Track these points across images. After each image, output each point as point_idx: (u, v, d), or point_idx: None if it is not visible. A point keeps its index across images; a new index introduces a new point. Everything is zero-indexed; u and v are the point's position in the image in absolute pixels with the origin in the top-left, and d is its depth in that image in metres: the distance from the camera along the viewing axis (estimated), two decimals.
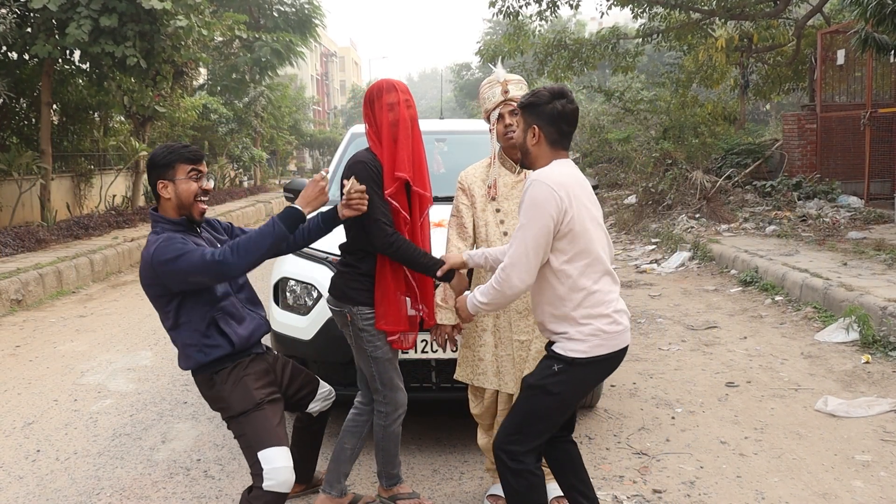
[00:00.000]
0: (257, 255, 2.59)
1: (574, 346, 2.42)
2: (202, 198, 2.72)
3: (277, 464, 2.59)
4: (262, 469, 2.58)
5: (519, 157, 3.02)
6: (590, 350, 2.42)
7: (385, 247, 2.82)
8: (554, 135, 2.47)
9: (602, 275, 2.45)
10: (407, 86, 2.98)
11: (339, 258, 3.08)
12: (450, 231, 3.11)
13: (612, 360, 2.49)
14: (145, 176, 15.30)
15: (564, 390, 2.46)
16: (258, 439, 2.63)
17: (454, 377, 3.18)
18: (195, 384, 2.81)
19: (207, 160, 17.33)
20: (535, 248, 2.36)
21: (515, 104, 2.98)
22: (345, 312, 2.95)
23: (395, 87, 2.88)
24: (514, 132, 3.01)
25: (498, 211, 3.03)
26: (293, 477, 2.64)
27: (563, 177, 2.40)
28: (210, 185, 2.76)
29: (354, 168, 2.85)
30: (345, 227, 2.99)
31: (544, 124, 2.46)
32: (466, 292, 2.71)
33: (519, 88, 3.01)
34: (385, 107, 2.84)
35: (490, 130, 3.09)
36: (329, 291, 3.05)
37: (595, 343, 2.42)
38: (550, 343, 2.54)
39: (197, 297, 2.69)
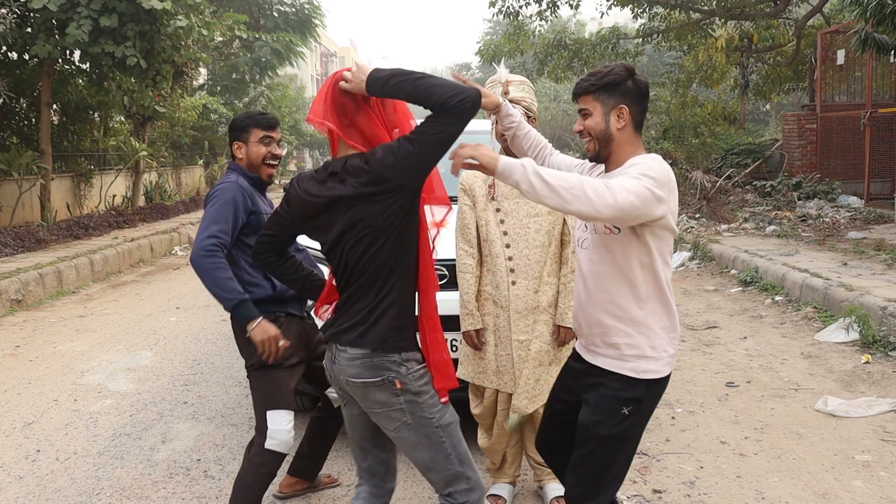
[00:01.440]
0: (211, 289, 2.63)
1: (646, 366, 2.13)
2: (271, 161, 2.90)
3: (282, 426, 2.73)
4: (266, 427, 2.73)
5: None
6: (663, 369, 2.15)
7: None
8: (640, 115, 2.17)
9: (668, 283, 2.19)
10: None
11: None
12: (457, 234, 3.12)
13: (666, 384, 2.24)
14: (145, 176, 15.36)
15: (639, 431, 2.21)
16: (270, 397, 2.74)
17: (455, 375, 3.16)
18: (232, 328, 2.82)
19: (207, 160, 17.26)
20: (642, 201, 1.94)
21: (515, 106, 2.96)
22: (391, 379, 2.08)
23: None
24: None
25: (498, 210, 3.02)
26: (292, 441, 2.78)
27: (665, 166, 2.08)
28: (281, 151, 2.95)
29: None
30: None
31: (632, 103, 2.13)
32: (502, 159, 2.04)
33: (521, 90, 2.99)
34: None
35: (491, 130, 3.09)
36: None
37: (663, 360, 2.15)
38: (595, 369, 2.18)
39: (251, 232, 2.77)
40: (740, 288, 7.46)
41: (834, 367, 4.97)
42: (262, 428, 2.76)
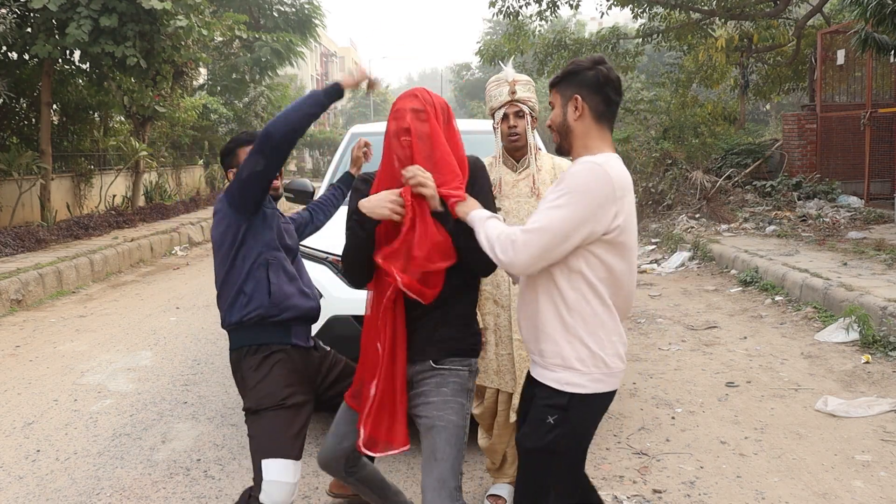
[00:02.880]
0: (294, 117, 2.42)
1: (570, 378, 2.03)
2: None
3: (277, 478, 2.43)
4: (261, 478, 2.45)
5: (523, 155, 3.02)
6: (591, 385, 2.03)
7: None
8: (600, 105, 2.08)
9: (623, 300, 2.10)
10: (430, 96, 2.33)
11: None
12: None
13: (606, 401, 2.12)
14: (145, 176, 15.36)
15: (568, 446, 2.07)
16: (265, 446, 2.47)
17: None
18: (230, 365, 2.68)
19: (207, 160, 17.23)
20: (562, 236, 1.95)
21: (521, 106, 2.98)
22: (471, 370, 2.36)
23: (412, 94, 2.33)
24: (517, 133, 2.99)
25: (499, 210, 3.03)
26: (292, 495, 2.48)
27: (622, 171, 2.02)
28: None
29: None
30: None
31: (588, 93, 2.08)
32: (489, 213, 2.17)
33: (527, 90, 3.00)
34: (393, 113, 2.31)
35: (494, 128, 3.08)
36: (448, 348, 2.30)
37: (592, 375, 2.04)
38: (532, 380, 2.13)
39: (253, 243, 2.62)
40: (740, 288, 7.46)
41: (834, 367, 4.97)
42: (257, 479, 2.46)
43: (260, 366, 2.57)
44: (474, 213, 2.16)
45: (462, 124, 6.32)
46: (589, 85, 2.08)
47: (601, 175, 1.96)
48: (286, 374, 2.58)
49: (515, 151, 3.05)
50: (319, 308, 2.77)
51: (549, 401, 2.05)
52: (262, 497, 2.43)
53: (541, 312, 2.08)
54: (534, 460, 2.10)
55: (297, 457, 2.51)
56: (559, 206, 1.95)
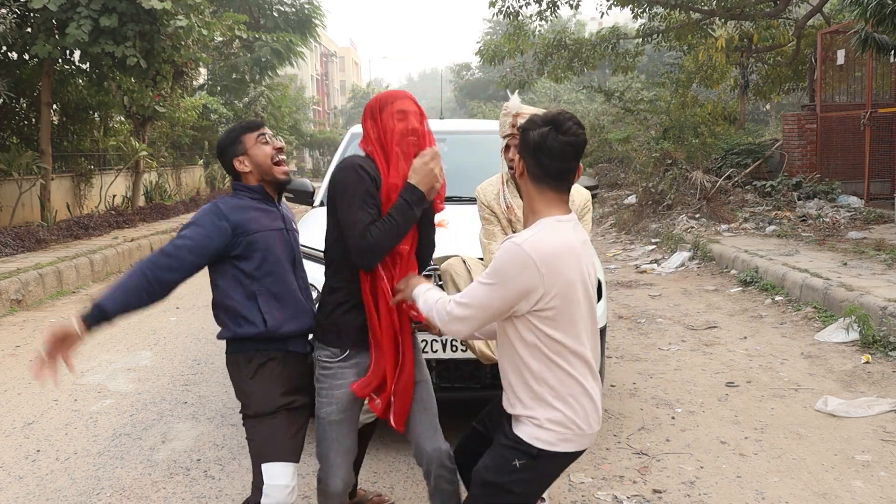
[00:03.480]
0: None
1: (540, 435, 2.05)
2: (280, 157, 2.62)
3: (278, 481, 2.43)
4: (262, 482, 2.45)
5: None
6: (557, 443, 2.05)
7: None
8: (535, 168, 2.05)
9: (588, 360, 2.09)
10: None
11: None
12: (486, 236, 3.17)
13: (570, 459, 2.15)
14: (145, 176, 15.37)
15: (525, 490, 2.11)
16: (265, 450, 2.46)
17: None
18: (227, 368, 2.66)
19: (207, 160, 17.24)
20: (491, 312, 2.05)
21: None
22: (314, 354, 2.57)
23: (407, 97, 2.46)
24: (514, 168, 2.98)
25: (514, 231, 3.09)
26: (292, 498, 2.47)
27: (553, 244, 1.99)
28: (281, 143, 2.67)
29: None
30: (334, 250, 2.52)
31: (525, 154, 2.07)
32: (427, 286, 2.30)
33: None
34: (395, 114, 2.38)
35: (501, 153, 3.14)
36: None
37: (563, 435, 2.05)
38: (506, 427, 2.16)
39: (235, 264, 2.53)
40: (740, 288, 7.46)
41: (834, 367, 4.97)
42: (258, 483, 2.46)
43: (256, 373, 2.53)
44: (416, 290, 2.28)
45: (462, 124, 6.34)
46: (525, 145, 2.06)
47: (520, 259, 1.97)
48: (283, 380, 2.55)
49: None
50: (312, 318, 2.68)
51: (519, 447, 2.08)
52: (264, 500, 2.43)
53: (511, 376, 2.12)
54: (487, 493, 2.14)
55: (297, 460, 2.51)
56: (487, 284, 2.02)
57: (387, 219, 2.33)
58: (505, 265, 1.98)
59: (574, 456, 2.12)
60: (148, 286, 2.35)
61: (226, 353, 2.63)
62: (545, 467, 2.10)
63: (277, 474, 2.44)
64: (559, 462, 2.11)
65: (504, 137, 3.02)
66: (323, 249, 2.58)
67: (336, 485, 2.50)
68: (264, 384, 2.53)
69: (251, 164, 2.58)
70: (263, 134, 2.61)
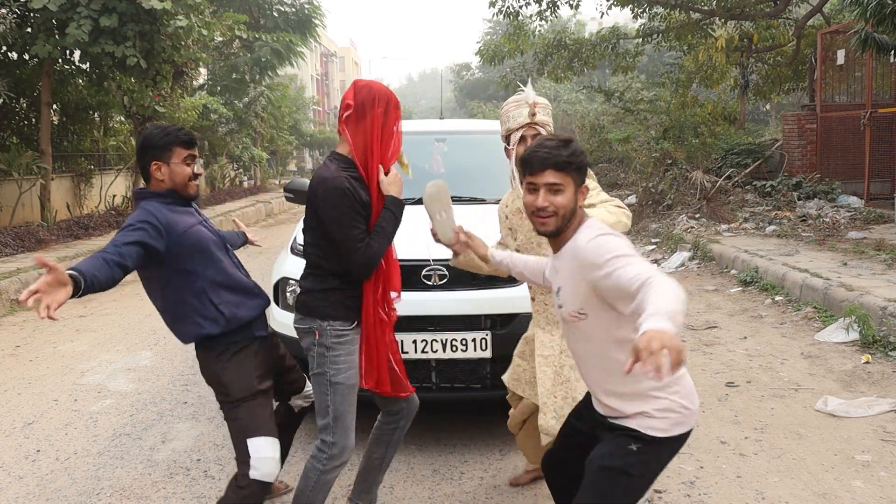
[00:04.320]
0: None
1: (653, 424, 2.07)
2: (194, 181, 2.71)
3: (265, 453, 2.60)
4: (249, 457, 2.59)
5: None
6: (670, 428, 2.08)
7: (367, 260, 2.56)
8: (579, 181, 2.21)
9: None
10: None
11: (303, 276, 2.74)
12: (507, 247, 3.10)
13: (684, 440, 2.17)
14: None
15: (643, 473, 2.12)
16: (250, 427, 2.62)
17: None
18: (198, 361, 2.75)
19: (207, 160, 17.28)
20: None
21: (540, 129, 2.85)
22: (313, 329, 2.64)
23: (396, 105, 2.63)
24: None
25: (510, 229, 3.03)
26: (278, 469, 2.66)
27: None
28: (201, 170, 2.78)
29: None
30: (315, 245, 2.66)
31: (577, 175, 2.15)
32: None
33: (546, 114, 2.89)
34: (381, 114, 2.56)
35: (506, 150, 2.95)
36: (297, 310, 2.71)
37: (675, 420, 2.08)
38: (611, 422, 2.16)
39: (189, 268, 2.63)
40: (740, 288, 7.46)
41: (834, 367, 4.97)
42: (244, 458, 2.60)
43: (230, 362, 2.68)
44: (667, 327, 1.68)
45: (462, 124, 6.33)
46: (581, 168, 2.15)
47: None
48: (255, 364, 2.72)
49: None
50: (266, 297, 2.86)
51: (633, 433, 2.10)
52: (252, 474, 2.57)
53: (606, 384, 2.13)
54: (604, 478, 2.11)
55: (276, 435, 2.69)
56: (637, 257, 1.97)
57: (380, 230, 2.55)
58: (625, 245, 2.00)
59: (687, 435, 2.14)
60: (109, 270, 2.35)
61: (196, 350, 2.74)
62: (662, 451, 2.12)
63: (264, 447, 2.61)
64: (675, 444, 2.13)
65: (518, 129, 2.84)
66: (308, 241, 2.67)
67: (350, 444, 2.67)
68: (240, 372, 2.68)
69: (167, 175, 2.64)
70: (193, 156, 2.69)
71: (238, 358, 2.69)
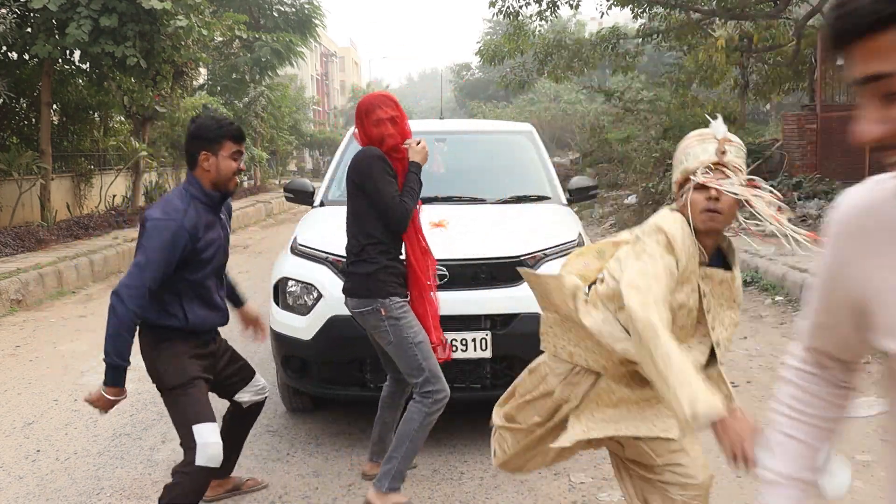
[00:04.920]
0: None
1: None
2: (236, 176, 2.88)
3: (210, 439, 2.67)
4: (195, 444, 2.65)
5: (713, 243, 2.28)
6: None
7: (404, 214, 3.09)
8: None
9: None
10: (396, 99, 3.26)
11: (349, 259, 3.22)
12: (640, 293, 1.94)
13: None
14: (145, 176, 15.36)
15: None
16: (192, 413, 2.70)
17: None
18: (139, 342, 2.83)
19: None
20: None
21: (728, 171, 2.15)
22: (377, 308, 3.06)
23: (382, 104, 3.15)
24: (720, 213, 2.16)
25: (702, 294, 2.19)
26: (222, 454, 2.72)
27: None
28: (244, 166, 2.96)
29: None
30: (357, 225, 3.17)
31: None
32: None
33: (738, 155, 2.24)
34: (373, 123, 3.13)
35: (678, 197, 2.20)
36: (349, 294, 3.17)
37: None
38: None
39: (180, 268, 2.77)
40: None
41: None
42: (190, 444, 2.66)
43: (163, 350, 2.78)
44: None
45: (462, 124, 6.33)
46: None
47: None
48: (192, 356, 2.82)
49: (706, 236, 2.19)
50: (227, 313, 3.06)
51: None
52: (199, 460, 2.64)
53: None
54: None
55: (216, 420, 2.79)
56: None
57: (408, 190, 3.10)
58: None
59: None
60: None
61: (139, 336, 2.80)
62: None
63: (209, 432, 2.69)
64: None
65: (698, 168, 2.11)
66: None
67: (446, 387, 3.10)
68: (176, 360, 2.78)
69: (214, 167, 2.78)
70: (240, 152, 2.86)
71: (172, 345, 2.79)
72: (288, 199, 4.90)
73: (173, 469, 2.79)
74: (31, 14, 10.15)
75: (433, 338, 3.18)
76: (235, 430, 3.25)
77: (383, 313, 3.03)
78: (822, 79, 12.77)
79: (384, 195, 3.03)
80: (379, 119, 3.13)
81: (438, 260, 3.57)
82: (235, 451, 3.29)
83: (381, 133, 3.14)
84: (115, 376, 2.63)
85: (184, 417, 2.70)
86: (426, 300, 3.19)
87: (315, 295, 3.80)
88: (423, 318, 3.18)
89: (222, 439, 3.04)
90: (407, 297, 3.14)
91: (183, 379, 2.75)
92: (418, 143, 3.19)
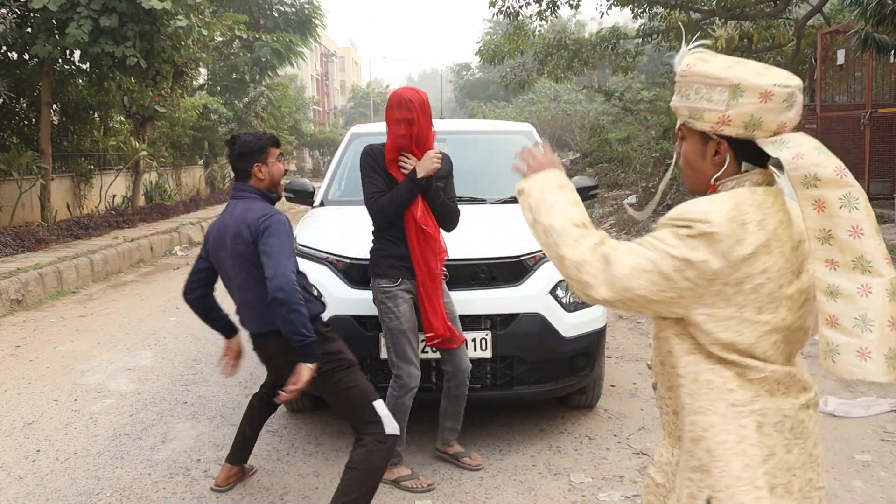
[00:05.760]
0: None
1: None
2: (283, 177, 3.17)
3: (386, 412, 2.95)
4: (378, 417, 2.89)
5: None
6: None
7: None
8: None
9: None
10: (419, 98, 3.30)
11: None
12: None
13: None
14: (145, 176, 15.35)
15: None
16: (369, 391, 2.96)
17: None
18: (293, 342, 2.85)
19: (207, 160, 17.31)
20: None
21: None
22: (373, 286, 3.40)
23: (404, 105, 3.27)
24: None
25: None
26: None
27: None
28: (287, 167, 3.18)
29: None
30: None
31: None
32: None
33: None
34: (393, 121, 3.28)
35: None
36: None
37: None
38: None
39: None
40: None
41: None
42: (374, 419, 2.89)
43: (320, 332, 2.93)
44: None
45: (462, 124, 6.33)
46: None
47: None
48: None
49: None
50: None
51: None
52: (388, 430, 2.90)
53: None
54: None
55: None
56: None
57: (392, 192, 3.28)
58: None
59: None
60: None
61: (313, 325, 2.94)
62: None
63: (383, 406, 2.95)
64: None
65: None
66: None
67: (415, 373, 3.35)
68: (337, 342, 3.03)
69: (267, 174, 3.05)
70: (282, 154, 3.14)
71: (326, 329, 3.03)
72: (288, 199, 4.89)
73: (359, 444, 2.89)
74: (31, 14, 10.15)
75: (433, 328, 3.30)
76: (257, 420, 3.48)
77: (376, 290, 3.37)
78: (822, 79, 12.76)
79: (364, 188, 3.34)
80: (396, 119, 3.26)
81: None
82: (253, 443, 3.49)
83: (393, 132, 3.29)
84: (313, 349, 2.79)
85: (364, 394, 2.92)
86: (426, 290, 3.32)
87: (315, 294, 3.80)
88: (422, 307, 3.34)
89: (249, 431, 3.37)
90: (398, 281, 3.34)
91: (354, 359, 3.00)
92: (434, 155, 3.30)
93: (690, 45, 1.60)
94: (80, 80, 12.69)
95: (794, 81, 1.52)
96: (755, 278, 1.43)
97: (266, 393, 3.43)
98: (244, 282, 2.96)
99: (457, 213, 3.51)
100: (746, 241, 1.41)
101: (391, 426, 2.92)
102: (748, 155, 1.53)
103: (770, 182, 1.57)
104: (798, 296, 1.49)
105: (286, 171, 3.16)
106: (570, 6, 15.43)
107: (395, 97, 3.29)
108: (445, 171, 3.48)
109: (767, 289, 1.44)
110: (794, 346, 1.53)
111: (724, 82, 1.48)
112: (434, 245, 3.36)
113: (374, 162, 3.36)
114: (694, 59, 1.55)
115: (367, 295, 3.50)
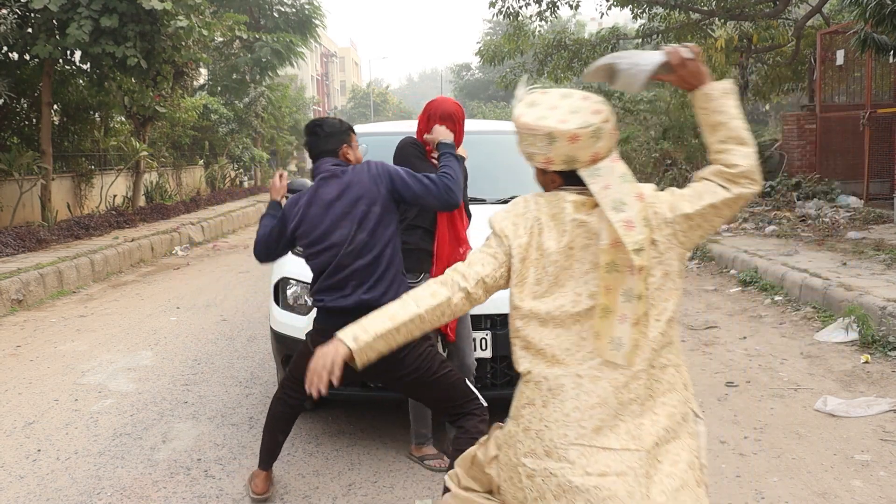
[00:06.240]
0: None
1: None
2: None
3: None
4: (474, 394, 3.02)
5: None
6: None
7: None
8: None
9: None
10: (462, 113, 3.57)
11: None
12: None
13: None
14: (146, 176, 15.36)
15: None
16: (457, 371, 3.09)
17: None
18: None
19: (208, 160, 17.29)
20: None
21: None
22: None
23: (445, 118, 3.49)
24: None
25: None
26: None
27: None
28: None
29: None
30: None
31: None
32: None
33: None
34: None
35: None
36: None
37: None
38: None
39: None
40: (740, 288, 7.46)
41: (833, 367, 4.97)
42: (470, 396, 3.02)
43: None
44: None
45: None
46: None
47: None
48: None
49: None
50: None
51: None
52: (484, 403, 3.03)
53: None
54: None
55: None
56: None
57: (455, 170, 3.22)
58: None
59: None
60: None
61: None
62: None
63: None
64: None
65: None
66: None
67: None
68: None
69: (353, 158, 3.21)
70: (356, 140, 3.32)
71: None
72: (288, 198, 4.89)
73: (464, 417, 2.99)
74: (32, 14, 10.16)
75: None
76: (287, 425, 3.42)
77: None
78: (822, 79, 12.77)
79: (419, 172, 3.27)
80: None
81: None
82: (281, 447, 3.48)
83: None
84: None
85: (458, 375, 3.06)
86: None
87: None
88: None
89: (280, 435, 3.35)
90: (421, 276, 3.43)
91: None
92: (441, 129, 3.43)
93: (527, 88, 1.93)
94: (81, 81, 12.69)
95: (597, 118, 1.82)
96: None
97: (290, 396, 3.30)
98: (364, 244, 2.98)
99: (468, 215, 3.68)
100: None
101: (483, 399, 3.06)
102: (577, 180, 1.86)
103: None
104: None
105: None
106: (570, 6, 15.44)
107: (441, 109, 3.47)
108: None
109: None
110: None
111: (540, 132, 1.80)
112: (461, 237, 3.50)
113: (419, 150, 3.52)
114: (521, 110, 1.85)
115: None
